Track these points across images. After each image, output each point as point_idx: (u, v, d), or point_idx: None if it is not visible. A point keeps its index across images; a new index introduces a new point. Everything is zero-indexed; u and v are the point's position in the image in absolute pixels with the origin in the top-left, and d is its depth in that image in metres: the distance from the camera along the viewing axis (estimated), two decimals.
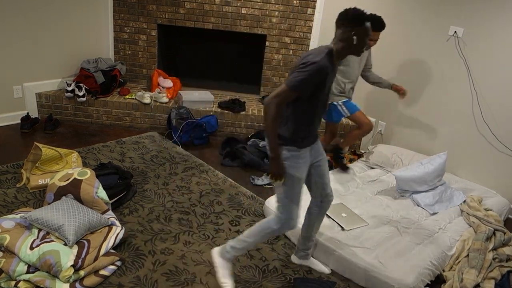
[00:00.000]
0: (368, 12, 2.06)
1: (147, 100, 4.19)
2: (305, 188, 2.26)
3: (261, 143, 3.93)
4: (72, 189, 2.61)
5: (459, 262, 2.58)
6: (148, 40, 4.58)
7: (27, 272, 2.15)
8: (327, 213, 2.80)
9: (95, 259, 2.27)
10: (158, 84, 4.51)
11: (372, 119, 4.19)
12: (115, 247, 2.47)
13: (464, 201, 3.18)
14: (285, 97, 1.96)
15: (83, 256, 2.24)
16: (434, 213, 3.01)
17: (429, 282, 2.44)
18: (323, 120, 3.67)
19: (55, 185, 2.64)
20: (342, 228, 2.68)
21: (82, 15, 4.29)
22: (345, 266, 2.48)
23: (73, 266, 2.16)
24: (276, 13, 4.42)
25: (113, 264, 2.33)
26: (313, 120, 2.10)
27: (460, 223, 2.93)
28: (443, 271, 2.55)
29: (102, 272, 2.27)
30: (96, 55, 4.51)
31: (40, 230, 2.36)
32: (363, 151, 4.13)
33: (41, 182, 2.99)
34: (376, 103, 4.20)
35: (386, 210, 2.97)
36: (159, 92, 4.35)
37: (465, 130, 3.58)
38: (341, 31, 1.99)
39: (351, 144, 3.53)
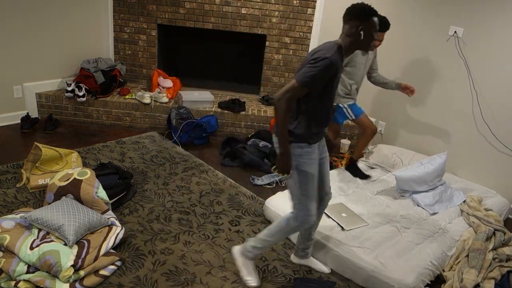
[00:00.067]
0: None
1: (147, 100, 4.19)
2: None
3: (261, 143, 3.93)
4: (72, 189, 2.61)
5: (459, 262, 2.58)
6: (148, 40, 4.58)
7: (27, 272, 2.15)
8: (327, 213, 2.81)
9: (95, 259, 2.27)
10: (158, 84, 4.51)
11: (372, 119, 4.19)
12: (115, 247, 2.47)
13: (464, 201, 3.18)
14: (296, 93, 1.96)
15: (83, 256, 2.24)
16: (434, 213, 3.01)
17: (429, 282, 2.44)
18: None
19: (55, 185, 2.64)
20: (342, 228, 2.68)
21: (82, 15, 4.29)
22: (345, 266, 2.48)
23: (73, 266, 2.16)
24: (276, 13, 4.42)
25: (113, 264, 2.33)
26: (324, 115, 2.09)
27: (460, 223, 2.93)
28: (443, 271, 2.55)
29: (102, 272, 2.27)
30: (96, 55, 4.51)
31: (40, 230, 2.36)
32: (363, 151, 4.13)
33: (41, 182, 2.99)
34: (376, 103, 4.20)
35: (386, 210, 2.97)
36: (159, 92, 4.35)
37: (465, 130, 3.58)
38: (348, 26, 2.00)
39: (362, 152, 3.48)
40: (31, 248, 2.20)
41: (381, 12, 3.81)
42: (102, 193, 2.68)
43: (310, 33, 4.48)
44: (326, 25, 4.40)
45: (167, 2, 4.40)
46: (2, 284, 2.13)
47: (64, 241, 2.30)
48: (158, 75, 4.53)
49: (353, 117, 3.32)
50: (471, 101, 3.50)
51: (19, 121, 3.99)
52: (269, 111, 4.41)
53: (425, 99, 3.81)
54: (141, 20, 4.49)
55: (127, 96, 4.33)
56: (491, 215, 2.98)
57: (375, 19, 1.99)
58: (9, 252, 2.21)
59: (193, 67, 4.90)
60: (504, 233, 2.82)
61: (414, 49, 3.80)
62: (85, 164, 3.40)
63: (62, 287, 2.12)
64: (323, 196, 2.33)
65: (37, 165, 3.01)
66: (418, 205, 3.09)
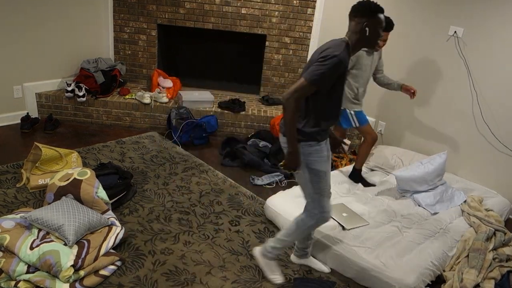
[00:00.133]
0: None
1: (147, 100, 4.19)
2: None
3: (261, 143, 3.93)
4: (72, 189, 2.61)
5: (459, 262, 2.58)
6: (148, 40, 4.58)
7: (27, 272, 2.15)
8: None
9: (95, 259, 2.27)
10: (158, 84, 4.51)
11: (372, 119, 4.19)
12: (115, 247, 2.47)
13: (465, 201, 3.17)
14: (304, 91, 1.95)
15: (83, 256, 2.24)
16: (435, 213, 3.01)
17: (430, 283, 2.44)
18: None
19: (55, 185, 2.64)
20: (343, 228, 2.68)
21: (82, 15, 4.29)
22: (345, 265, 2.48)
23: (73, 266, 2.16)
24: (276, 13, 4.42)
25: (113, 264, 2.33)
26: (333, 113, 2.09)
27: (461, 223, 2.93)
28: (443, 271, 2.55)
29: (102, 272, 2.27)
30: (96, 55, 4.51)
31: (40, 230, 2.36)
32: (365, 160, 4.11)
33: (41, 182, 2.99)
34: (376, 103, 4.20)
35: (387, 210, 2.97)
36: (159, 92, 4.35)
37: (465, 130, 3.58)
38: (354, 23, 1.99)
39: (364, 160, 3.42)
40: (31, 248, 2.20)
41: None
42: (102, 193, 2.68)
43: (310, 33, 4.49)
44: (326, 25, 4.40)
45: (167, 2, 4.40)
46: (2, 284, 2.13)
47: (64, 241, 2.29)
48: (158, 75, 4.53)
49: (357, 125, 3.28)
50: (471, 101, 3.50)
51: (19, 121, 3.99)
52: (269, 111, 4.41)
53: (425, 99, 3.81)
54: (141, 20, 4.48)
55: (127, 96, 4.33)
56: (491, 215, 2.98)
57: (381, 16, 1.98)
58: (9, 252, 2.21)
59: (193, 67, 4.90)
60: (505, 233, 2.82)
61: (414, 49, 3.80)
62: (85, 164, 3.40)
63: (62, 287, 2.12)
64: None
65: (37, 165, 3.01)
66: (419, 205, 3.09)
